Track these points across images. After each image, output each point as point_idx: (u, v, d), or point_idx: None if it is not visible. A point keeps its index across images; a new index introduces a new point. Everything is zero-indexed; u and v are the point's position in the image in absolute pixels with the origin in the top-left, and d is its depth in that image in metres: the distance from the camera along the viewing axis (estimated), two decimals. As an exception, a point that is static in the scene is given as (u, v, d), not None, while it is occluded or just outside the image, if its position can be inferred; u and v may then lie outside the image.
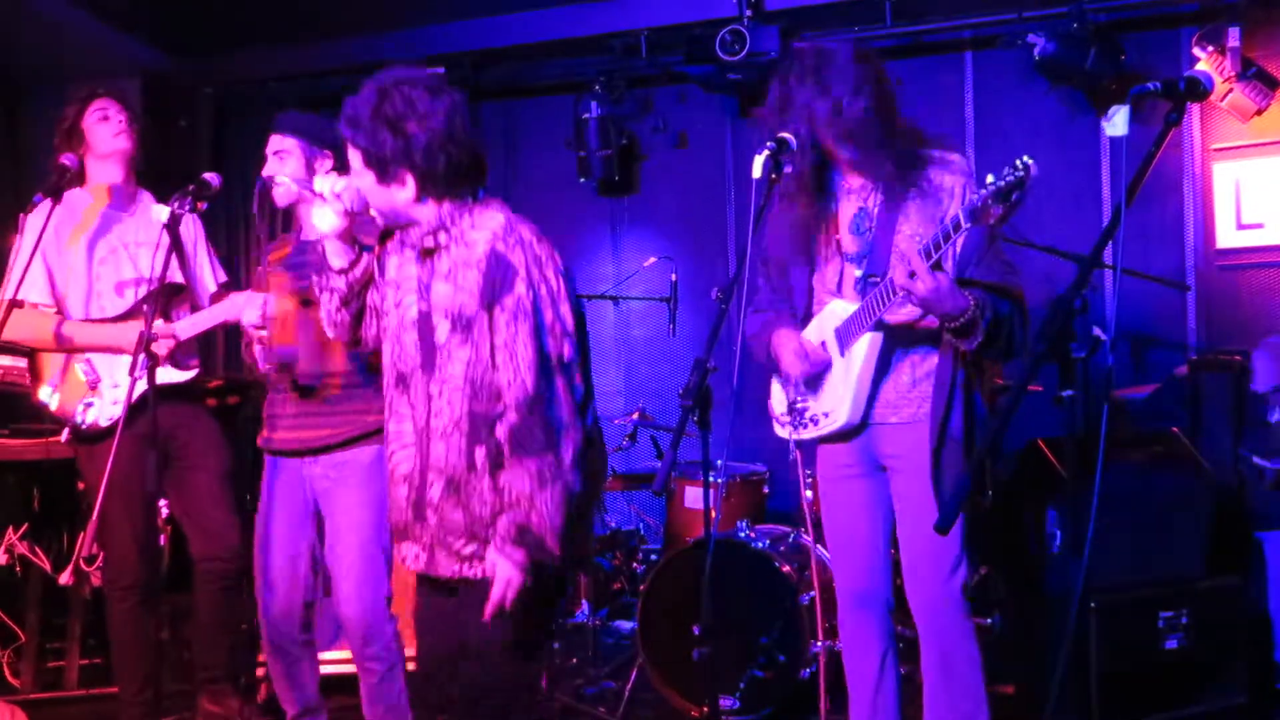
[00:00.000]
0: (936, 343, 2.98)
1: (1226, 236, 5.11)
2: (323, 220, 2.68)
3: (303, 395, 3.42)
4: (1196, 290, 5.15)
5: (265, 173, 3.48)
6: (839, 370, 3.06)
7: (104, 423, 3.75)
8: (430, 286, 2.61)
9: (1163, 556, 3.86)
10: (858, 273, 3.05)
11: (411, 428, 2.65)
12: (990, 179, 2.57)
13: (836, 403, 3.06)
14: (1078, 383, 2.19)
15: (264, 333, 3.41)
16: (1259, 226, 5.05)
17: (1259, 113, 4.90)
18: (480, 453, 2.56)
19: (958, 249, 2.84)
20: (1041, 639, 3.16)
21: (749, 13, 5.15)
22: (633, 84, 5.79)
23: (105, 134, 3.82)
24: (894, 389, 3.03)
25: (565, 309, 2.55)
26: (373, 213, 2.64)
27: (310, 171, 3.48)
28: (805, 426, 3.14)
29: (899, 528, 3.08)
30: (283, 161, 3.47)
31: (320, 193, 2.67)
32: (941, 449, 2.89)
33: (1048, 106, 5.29)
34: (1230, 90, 4.85)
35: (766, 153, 2.81)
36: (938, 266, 2.74)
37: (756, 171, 2.79)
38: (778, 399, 3.27)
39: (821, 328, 3.11)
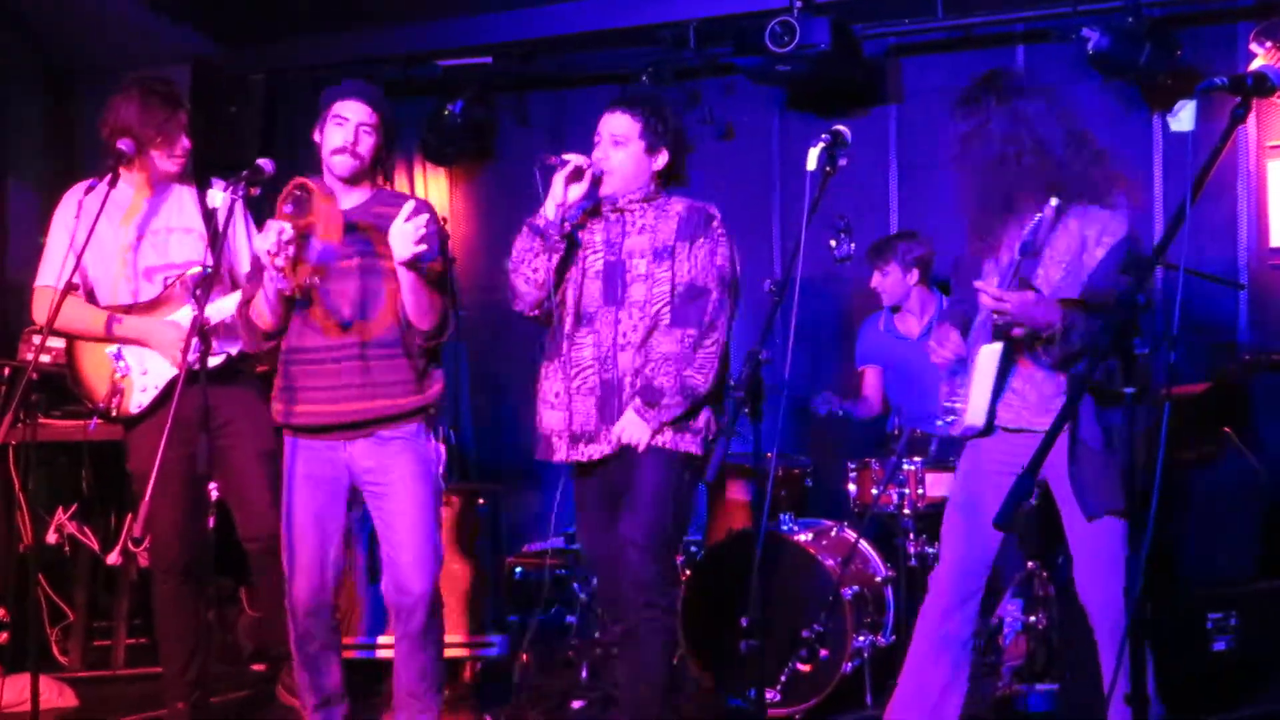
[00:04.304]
0: None
1: (1281, 235, 5.04)
2: (576, 191, 3.42)
3: (344, 330, 3.39)
4: (1249, 288, 5.07)
5: (343, 142, 3.41)
6: (971, 375, 3.17)
7: (133, 409, 3.80)
8: (622, 243, 3.46)
9: (1213, 558, 3.82)
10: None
11: (592, 353, 3.43)
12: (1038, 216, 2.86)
13: (965, 404, 3.18)
14: (1138, 380, 2.18)
15: (280, 260, 3.24)
16: (1314, 226, 4.97)
17: (1317, 110, 4.83)
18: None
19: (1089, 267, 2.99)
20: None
21: (799, 4, 5.10)
22: (680, 75, 5.75)
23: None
24: (1038, 397, 3.09)
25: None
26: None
27: (377, 154, 3.47)
28: (951, 423, 3.27)
29: (1067, 532, 3.15)
30: (369, 136, 3.44)
31: (591, 165, 3.42)
32: (1077, 458, 2.99)
33: (1100, 102, 5.21)
34: (1288, 87, 4.77)
35: (822, 145, 2.81)
36: (1026, 285, 2.91)
37: (811, 163, 2.79)
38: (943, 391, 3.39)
39: (972, 333, 3.23)
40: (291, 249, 3.25)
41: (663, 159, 3.49)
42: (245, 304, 3.51)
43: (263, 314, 3.44)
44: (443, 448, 3.61)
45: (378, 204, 3.48)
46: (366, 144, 3.45)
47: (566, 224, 3.44)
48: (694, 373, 3.37)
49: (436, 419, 3.59)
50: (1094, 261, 2.99)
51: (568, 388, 3.46)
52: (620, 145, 3.46)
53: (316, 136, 3.51)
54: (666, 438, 3.38)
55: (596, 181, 3.44)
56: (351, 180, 3.48)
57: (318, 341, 3.43)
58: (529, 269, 3.46)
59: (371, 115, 3.45)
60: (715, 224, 3.48)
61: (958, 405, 3.26)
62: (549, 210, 3.42)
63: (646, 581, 3.36)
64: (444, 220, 3.70)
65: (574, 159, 3.41)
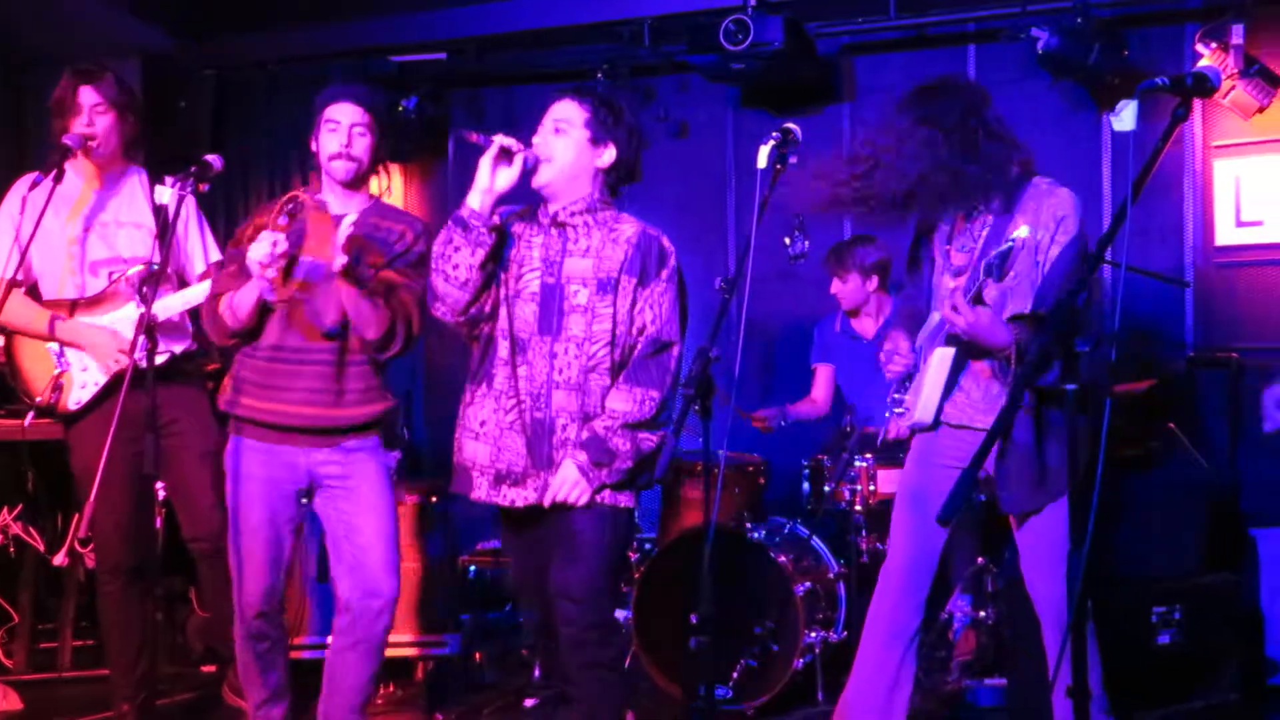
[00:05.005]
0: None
1: (1226, 234, 5.10)
2: (505, 177, 3.05)
3: (330, 337, 3.37)
4: (1194, 287, 5.14)
5: (338, 147, 3.38)
6: (923, 373, 3.23)
7: (72, 405, 3.76)
8: (561, 263, 3.12)
9: (1157, 552, 3.87)
10: (951, 284, 3.20)
11: (526, 386, 3.11)
12: (1012, 236, 2.83)
13: (914, 401, 3.23)
14: (1080, 377, 2.20)
15: (271, 272, 3.20)
16: (1258, 224, 5.02)
17: (1260, 110, 4.88)
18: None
19: (1042, 271, 3.02)
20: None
21: (753, 2, 5.13)
22: (636, 72, 5.76)
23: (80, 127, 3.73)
24: (983, 395, 3.15)
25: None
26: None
27: (375, 153, 3.45)
28: (902, 414, 3.33)
29: (1013, 526, 3.22)
30: (363, 137, 3.41)
31: (522, 149, 3.06)
32: (1005, 456, 3.06)
33: (1050, 101, 5.27)
34: (1233, 87, 4.83)
35: (772, 143, 2.82)
36: (979, 301, 2.94)
37: (762, 161, 2.80)
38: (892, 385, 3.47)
39: (924, 331, 3.29)
40: (283, 261, 3.22)
41: (609, 155, 3.14)
42: (215, 298, 3.45)
43: (236, 312, 3.37)
44: (398, 454, 3.59)
45: (375, 215, 3.46)
46: (362, 145, 3.42)
47: (496, 216, 3.10)
48: (649, 435, 3.11)
49: (392, 429, 3.58)
50: (1045, 259, 3.02)
51: (497, 421, 3.15)
52: (562, 132, 3.12)
53: (314, 145, 3.47)
54: (605, 494, 3.10)
55: (530, 173, 3.10)
56: (352, 184, 3.45)
57: (299, 343, 3.40)
58: (449, 265, 3.09)
59: (364, 115, 3.42)
60: (671, 261, 3.17)
61: (906, 399, 3.30)
62: (474, 200, 3.07)
63: (585, 640, 3.10)
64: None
65: (500, 139, 3.05)
